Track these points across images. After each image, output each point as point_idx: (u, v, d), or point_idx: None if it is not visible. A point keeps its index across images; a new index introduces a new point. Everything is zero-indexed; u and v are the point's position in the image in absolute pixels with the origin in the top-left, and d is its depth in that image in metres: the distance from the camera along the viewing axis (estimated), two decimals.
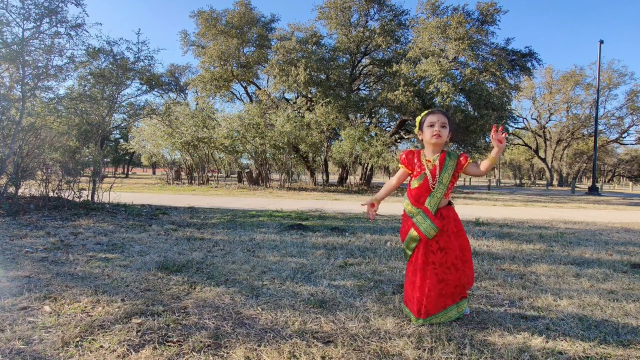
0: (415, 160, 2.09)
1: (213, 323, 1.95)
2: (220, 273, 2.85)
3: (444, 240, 1.97)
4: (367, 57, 19.89)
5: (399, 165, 2.18)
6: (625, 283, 2.89)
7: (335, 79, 17.24)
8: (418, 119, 2.13)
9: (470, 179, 41.14)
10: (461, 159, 2.01)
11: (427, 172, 2.01)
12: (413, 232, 2.02)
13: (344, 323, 2.01)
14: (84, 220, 5.27)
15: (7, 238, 3.92)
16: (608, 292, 2.67)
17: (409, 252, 2.07)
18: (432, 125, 2.01)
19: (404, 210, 2.12)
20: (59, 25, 6.35)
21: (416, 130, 2.15)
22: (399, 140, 20.85)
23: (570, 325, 2.05)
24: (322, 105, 15.83)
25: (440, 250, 1.96)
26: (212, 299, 2.30)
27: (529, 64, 17.85)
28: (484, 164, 1.95)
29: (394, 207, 9.14)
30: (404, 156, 2.14)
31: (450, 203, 2.09)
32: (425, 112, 2.11)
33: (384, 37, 17.41)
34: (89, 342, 1.72)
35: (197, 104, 20.49)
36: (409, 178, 2.15)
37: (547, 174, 38.01)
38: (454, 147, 17.91)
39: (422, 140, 2.10)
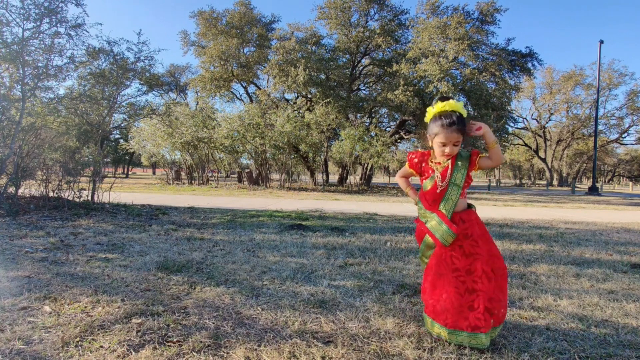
0: (424, 164, 1.91)
1: (213, 323, 1.95)
2: (220, 273, 2.85)
3: (470, 245, 1.77)
4: (367, 57, 19.89)
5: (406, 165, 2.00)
6: (625, 283, 2.89)
7: (335, 79, 17.25)
8: (429, 113, 1.85)
9: None
10: (473, 157, 1.83)
11: (437, 173, 1.84)
12: (428, 239, 1.84)
13: (344, 323, 2.01)
14: (84, 220, 5.27)
15: (7, 238, 3.92)
16: (608, 292, 2.67)
17: (426, 260, 1.89)
18: (443, 145, 1.80)
19: (418, 214, 1.92)
20: (59, 25, 6.35)
21: (427, 119, 1.90)
22: (399, 140, 20.85)
23: (570, 326, 2.05)
24: (322, 105, 15.84)
25: (467, 257, 1.76)
26: (212, 299, 2.30)
27: (529, 64, 17.87)
28: (491, 153, 1.82)
29: (395, 207, 9.14)
30: (414, 159, 1.94)
31: (470, 206, 1.89)
32: (435, 112, 1.82)
33: (384, 37, 17.41)
34: (89, 342, 1.72)
35: (197, 104, 20.50)
36: (423, 179, 1.95)
37: (547, 174, 38.01)
38: None
39: (431, 145, 1.89)
